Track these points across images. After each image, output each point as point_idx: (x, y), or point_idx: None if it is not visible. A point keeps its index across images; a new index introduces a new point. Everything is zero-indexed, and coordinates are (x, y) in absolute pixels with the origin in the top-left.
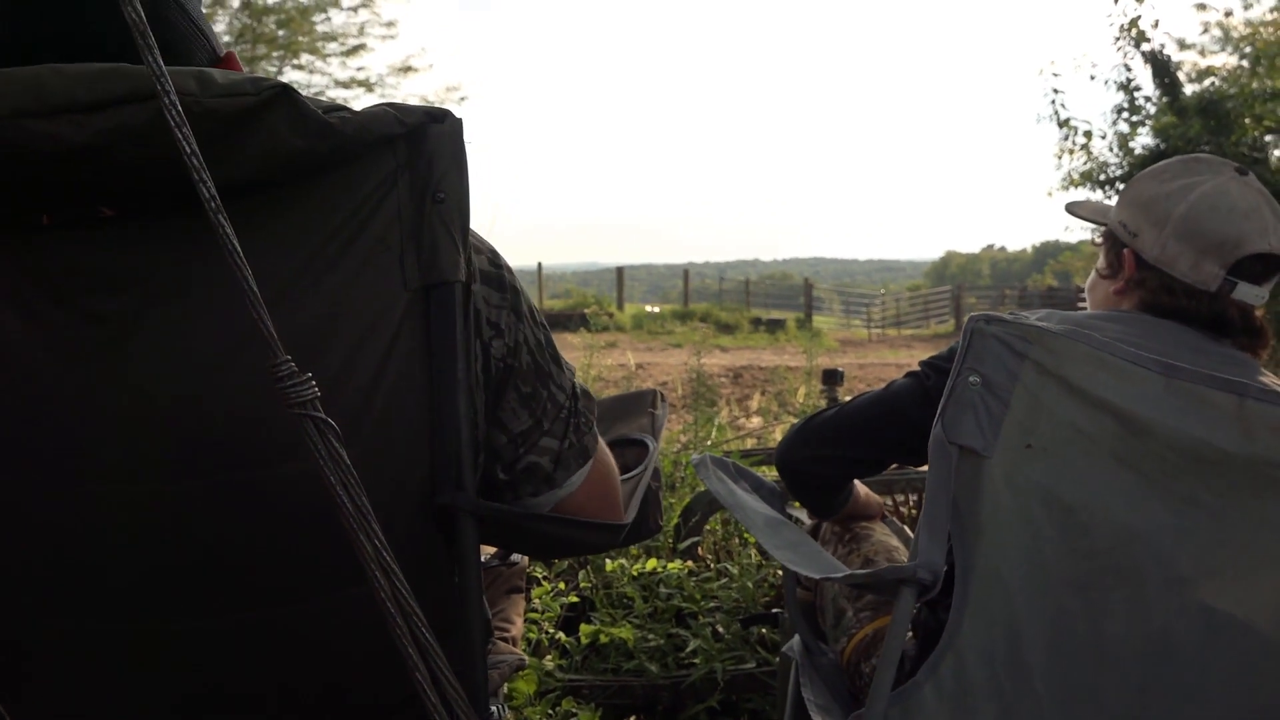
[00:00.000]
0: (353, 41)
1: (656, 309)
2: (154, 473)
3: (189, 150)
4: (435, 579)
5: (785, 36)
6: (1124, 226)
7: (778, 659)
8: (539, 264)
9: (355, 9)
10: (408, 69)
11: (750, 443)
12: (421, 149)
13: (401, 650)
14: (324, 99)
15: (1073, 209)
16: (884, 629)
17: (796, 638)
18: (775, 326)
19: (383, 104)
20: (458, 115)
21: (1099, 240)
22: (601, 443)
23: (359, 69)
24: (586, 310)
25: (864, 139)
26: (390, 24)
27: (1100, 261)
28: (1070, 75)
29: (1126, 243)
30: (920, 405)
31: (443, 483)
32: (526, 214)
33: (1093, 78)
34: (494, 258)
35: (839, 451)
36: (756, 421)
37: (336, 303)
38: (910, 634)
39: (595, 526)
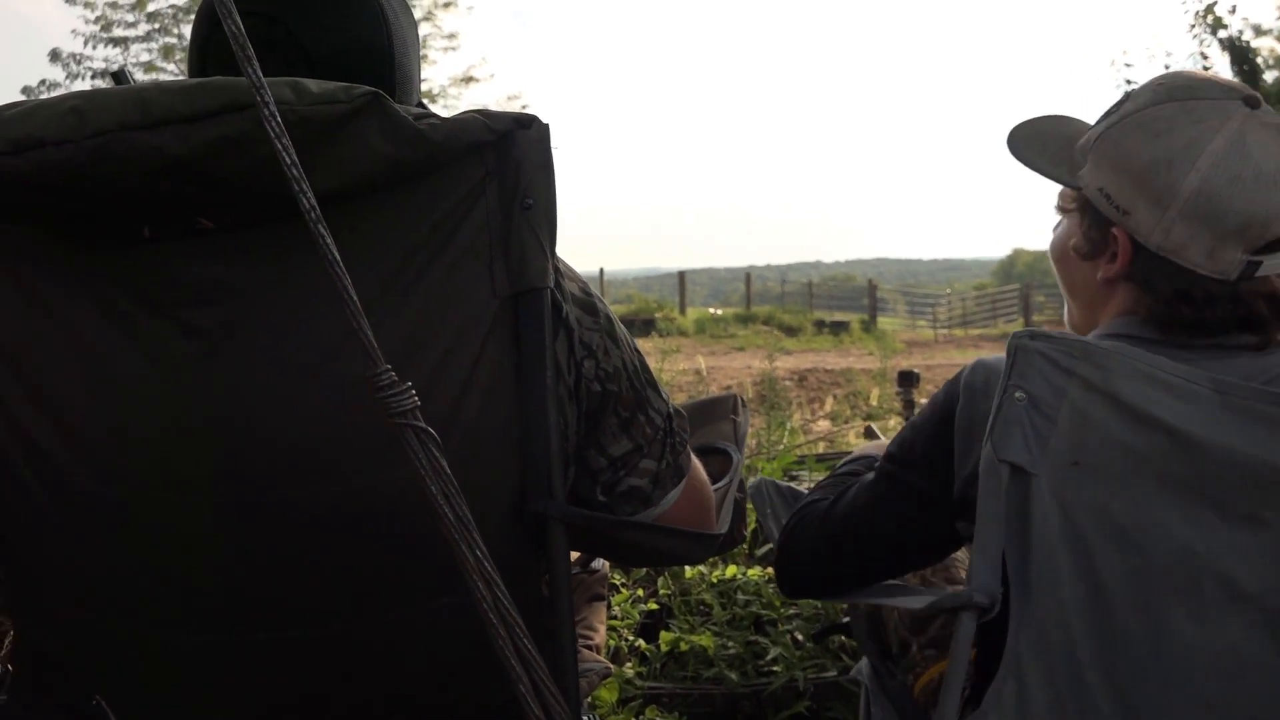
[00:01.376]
0: None
1: (719, 312)
2: (246, 484)
3: (289, 160)
4: (525, 588)
5: (847, 33)
6: (1107, 198)
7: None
8: (600, 270)
9: (418, 22)
10: (469, 79)
11: (822, 446)
12: (509, 155)
13: (504, 661)
14: (414, 109)
15: (1016, 147)
16: None
17: (864, 660)
18: (839, 328)
19: (471, 111)
20: (544, 121)
21: (1068, 205)
22: (695, 459)
23: (422, 80)
24: (657, 315)
25: (927, 135)
26: (451, 36)
27: (1075, 236)
28: (1143, 65)
29: (1115, 221)
30: (891, 504)
31: (533, 491)
32: (587, 221)
33: (1167, 66)
34: (585, 287)
35: (830, 582)
36: (825, 425)
37: (426, 311)
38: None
39: (689, 535)
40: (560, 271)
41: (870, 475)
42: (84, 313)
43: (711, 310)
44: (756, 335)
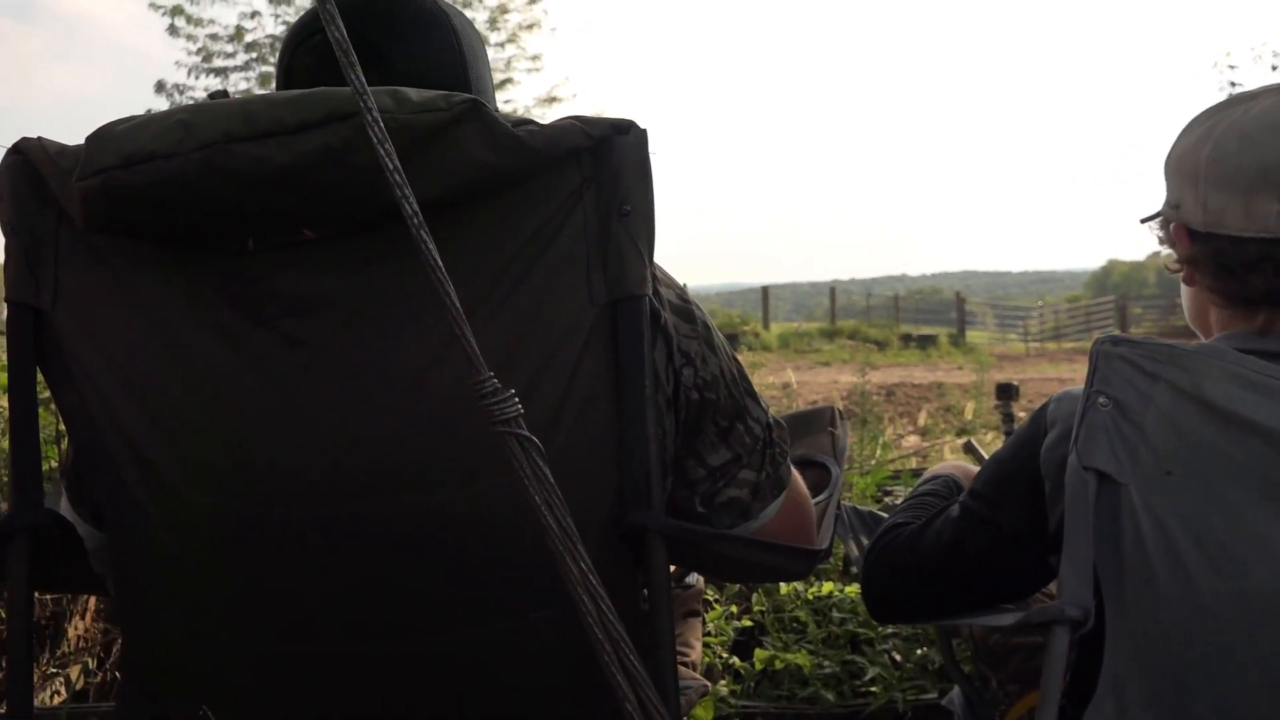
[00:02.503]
0: (499, 76)
1: (803, 327)
2: (346, 495)
3: (391, 166)
4: (623, 602)
5: (931, 40)
6: (1171, 207)
7: None
8: (685, 285)
9: (503, 44)
10: (553, 99)
11: (914, 461)
12: (608, 162)
13: (609, 677)
14: (513, 115)
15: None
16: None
17: (956, 689)
18: (926, 342)
19: (569, 117)
20: (642, 127)
21: (1160, 232)
22: (795, 472)
23: (506, 102)
24: (743, 329)
25: (1015, 144)
26: (535, 58)
27: (1172, 256)
28: (1248, 67)
29: (1172, 218)
30: (976, 543)
31: (631, 502)
32: (669, 238)
33: (1275, 68)
34: (682, 294)
35: (918, 610)
36: (913, 441)
37: (523, 319)
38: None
39: (789, 551)
40: (658, 279)
41: (955, 509)
42: (189, 324)
43: (795, 325)
44: (841, 350)
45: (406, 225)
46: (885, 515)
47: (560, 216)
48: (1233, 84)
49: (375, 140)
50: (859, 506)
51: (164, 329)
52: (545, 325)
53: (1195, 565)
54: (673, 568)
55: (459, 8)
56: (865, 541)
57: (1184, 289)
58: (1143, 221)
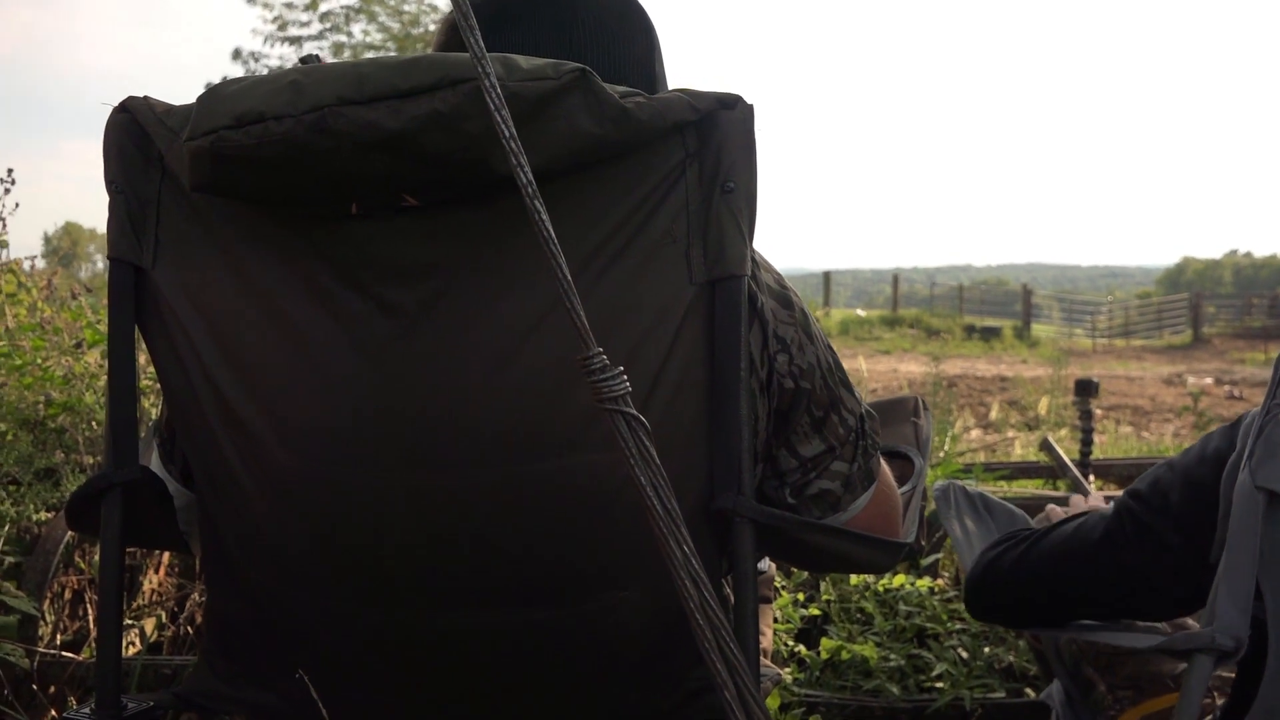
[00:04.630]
0: None
1: (864, 314)
2: (437, 464)
3: (508, 133)
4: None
5: (1003, 25)
6: None
7: (1031, 693)
8: None
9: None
10: None
11: (983, 455)
12: (711, 137)
13: (709, 665)
14: (620, 87)
15: None
16: (1159, 713)
17: (1056, 683)
18: (990, 334)
19: (676, 90)
20: (749, 102)
21: None
22: (884, 463)
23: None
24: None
25: (1088, 137)
26: None
27: None
28: None
29: None
30: (1129, 550)
31: (721, 486)
32: None
33: None
34: (781, 279)
35: (1030, 608)
36: (977, 435)
37: (621, 295)
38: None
39: (875, 542)
40: (757, 262)
41: (1109, 507)
42: (287, 288)
43: (857, 312)
44: (903, 339)
45: (511, 195)
46: (996, 499)
47: (662, 191)
48: None
49: (493, 106)
50: (968, 487)
51: (261, 291)
52: (642, 301)
53: None
54: None
55: None
56: (970, 524)
57: None
58: None
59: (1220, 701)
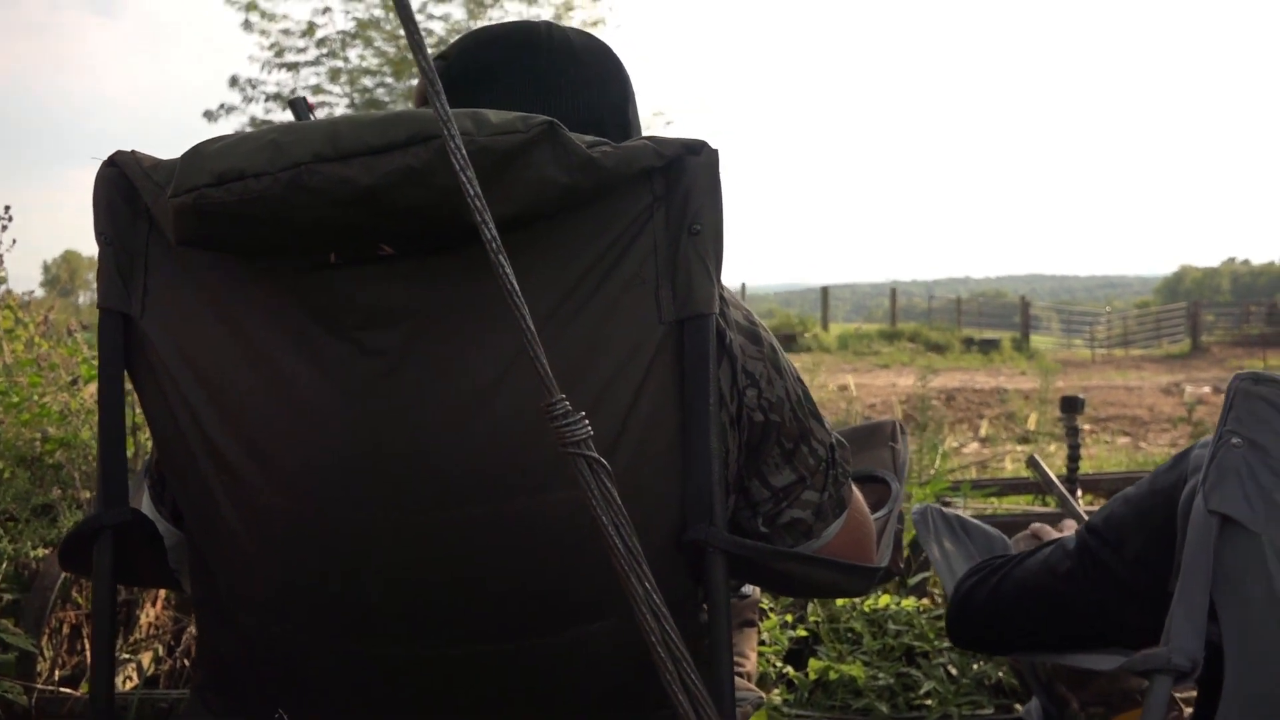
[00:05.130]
0: None
1: (862, 328)
2: (419, 501)
3: (472, 191)
4: (683, 615)
5: (996, 38)
6: None
7: (1020, 708)
8: (742, 285)
9: None
10: None
11: (974, 471)
12: (678, 182)
13: (670, 695)
14: (588, 136)
15: None
16: None
17: (1034, 700)
18: (989, 346)
19: (642, 138)
20: (714, 147)
21: None
22: (856, 491)
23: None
24: (798, 331)
25: (1084, 146)
26: None
27: None
28: None
29: None
30: (1090, 585)
31: (693, 518)
32: (729, 235)
33: None
34: (750, 315)
35: (1005, 638)
36: (975, 449)
37: (592, 336)
38: None
39: (848, 568)
40: (725, 299)
41: (1072, 541)
42: (271, 334)
43: (855, 326)
44: (901, 352)
45: (484, 246)
46: (973, 520)
47: (631, 235)
48: None
49: (458, 166)
50: (945, 509)
51: (246, 338)
52: (613, 341)
53: None
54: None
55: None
56: (949, 546)
57: None
58: None
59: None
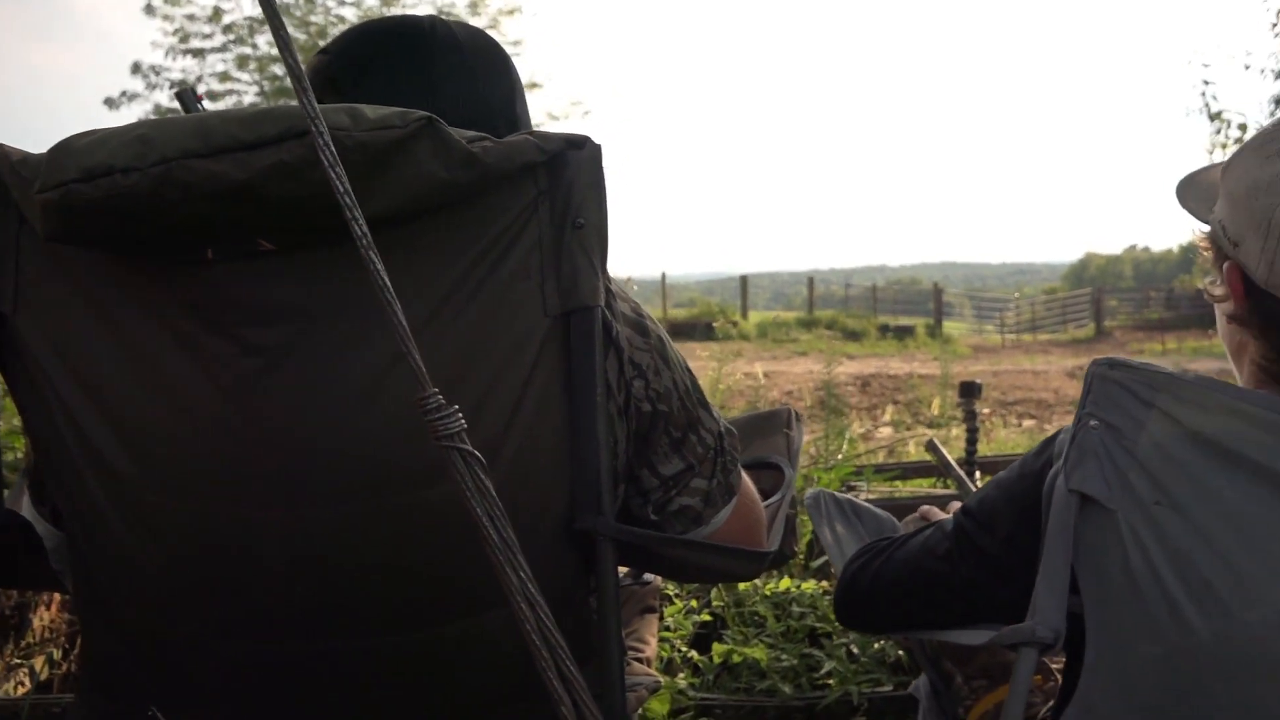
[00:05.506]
0: None
1: (780, 315)
2: (305, 498)
3: (342, 189)
4: (573, 604)
5: (912, 32)
6: (1223, 229)
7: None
8: (663, 274)
9: (484, 29)
10: (533, 85)
11: (881, 456)
12: (561, 176)
13: (546, 682)
14: (469, 132)
15: (1182, 195)
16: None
17: (923, 676)
18: (904, 333)
19: (524, 133)
20: (596, 142)
21: (1205, 246)
22: (745, 477)
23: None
24: (715, 323)
25: (996, 137)
26: (516, 43)
27: (1213, 277)
28: (1222, 65)
29: (1228, 254)
30: (966, 565)
31: (582, 508)
32: (650, 225)
33: (1247, 67)
34: (637, 308)
35: (889, 618)
36: (886, 433)
37: (478, 331)
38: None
39: (738, 553)
40: (612, 292)
41: (950, 524)
42: (148, 331)
43: (774, 314)
44: (819, 340)
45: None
46: (864, 503)
47: (515, 229)
48: (1206, 82)
49: (327, 163)
50: (837, 494)
51: (123, 335)
52: (500, 335)
53: (1180, 602)
54: (624, 569)
55: None
56: (839, 528)
57: (1217, 308)
58: (1194, 233)
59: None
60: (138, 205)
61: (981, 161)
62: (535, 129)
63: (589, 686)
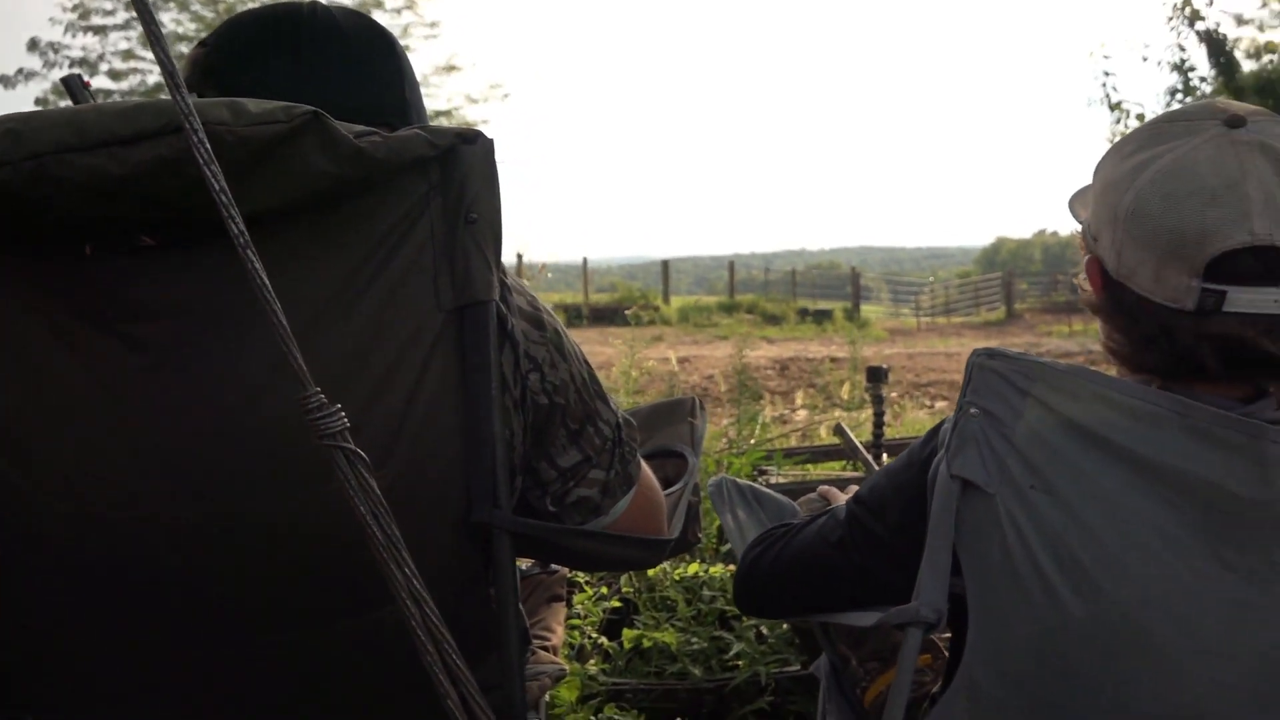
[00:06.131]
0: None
1: (702, 299)
2: (193, 496)
3: (217, 187)
4: (472, 596)
5: (831, 21)
6: (1088, 227)
7: None
8: (584, 259)
9: (399, 10)
10: (451, 68)
11: (794, 439)
12: (454, 171)
13: (433, 677)
14: (357, 126)
15: (1072, 205)
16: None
17: (824, 657)
18: (823, 317)
19: (415, 128)
20: (489, 137)
21: (1081, 245)
22: (645, 466)
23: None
24: (627, 311)
25: (912, 124)
26: (433, 24)
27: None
28: (1122, 57)
29: (1090, 249)
30: (858, 551)
31: (478, 501)
32: (572, 209)
33: (1145, 59)
34: (533, 301)
35: (787, 603)
36: (804, 415)
37: (371, 326)
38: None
39: (637, 542)
40: (507, 285)
41: (843, 511)
42: (28, 328)
43: (696, 298)
44: (740, 324)
45: (252, 231)
46: (765, 489)
47: (406, 224)
48: (1107, 73)
49: (201, 161)
50: (739, 480)
51: (2, 332)
52: (393, 331)
53: (1055, 582)
54: (530, 560)
55: None
56: (741, 514)
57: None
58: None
59: None
60: (10, 200)
61: (897, 147)
62: (428, 124)
63: (489, 678)
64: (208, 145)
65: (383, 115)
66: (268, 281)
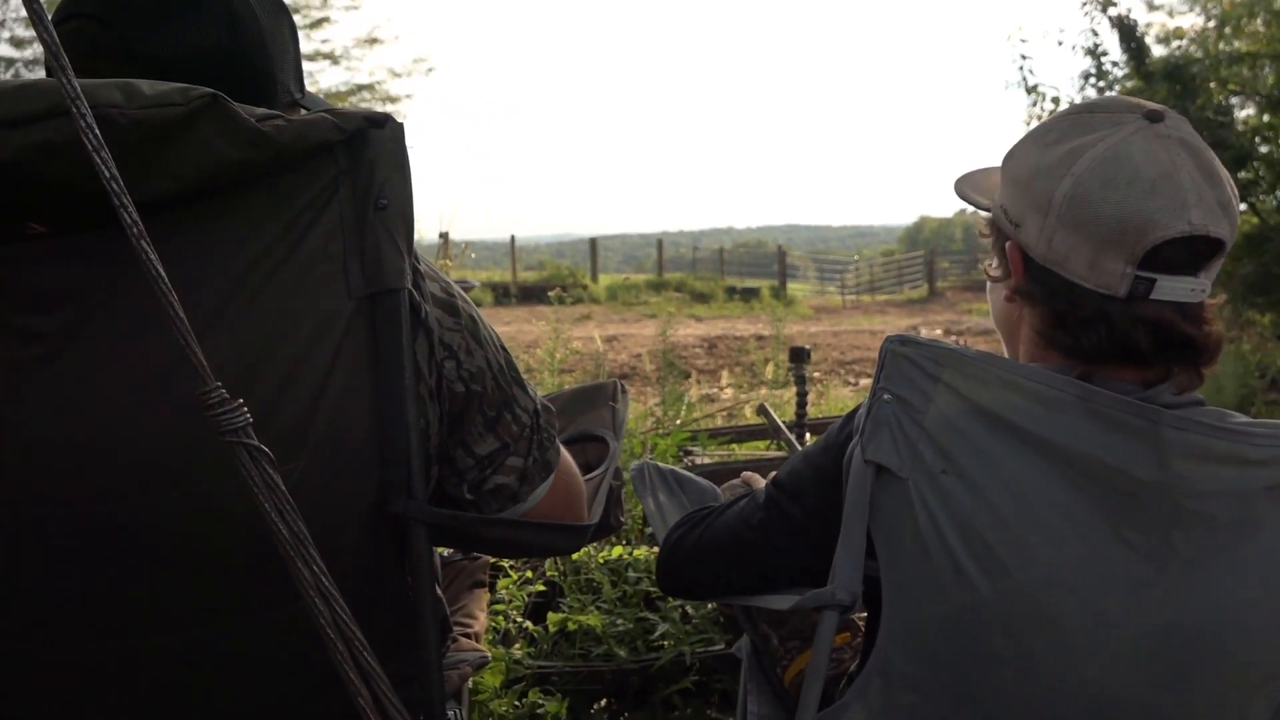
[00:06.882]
0: (316, 14)
1: (631, 278)
2: (92, 492)
3: (108, 174)
4: (389, 587)
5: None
6: (1004, 213)
7: None
8: (512, 237)
9: None
10: (373, 40)
11: (720, 419)
12: (362, 156)
13: (343, 675)
14: (259, 109)
15: (962, 190)
16: None
17: (745, 637)
18: (750, 295)
19: (321, 111)
20: (399, 120)
21: (986, 231)
22: (564, 452)
23: (323, 41)
24: (550, 293)
25: (835, 104)
26: None
27: (991, 259)
28: (1038, 41)
29: (1010, 235)
30: (777, 534)
31: (393, 492)
32: (499, 187)
33: (1060, 43)
34: (447, 287)
35: (708, 585)
36: (729, 394)
37: (278, 315)
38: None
39: (556, 528)
40: (420, 272)
41: (762, 495)
42: None
43: (624, 277)
44: (668, 302)
45: (150, 218)
46: (687, 473)
47: (314, 210)
48: (1024, 56)
49: (90, 147)
50: (660, 465)
51: None
52: (301, 319)
53: (965, 562)
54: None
55: None
56: (663, 498)
57: (991, 288)
58: (981, 211)
59: None
60: None
61: (823, 127)
62: (333, 107)
63: (408, 670)
64: (96, 131)
65: (247, 72)
66: (163, 272)
